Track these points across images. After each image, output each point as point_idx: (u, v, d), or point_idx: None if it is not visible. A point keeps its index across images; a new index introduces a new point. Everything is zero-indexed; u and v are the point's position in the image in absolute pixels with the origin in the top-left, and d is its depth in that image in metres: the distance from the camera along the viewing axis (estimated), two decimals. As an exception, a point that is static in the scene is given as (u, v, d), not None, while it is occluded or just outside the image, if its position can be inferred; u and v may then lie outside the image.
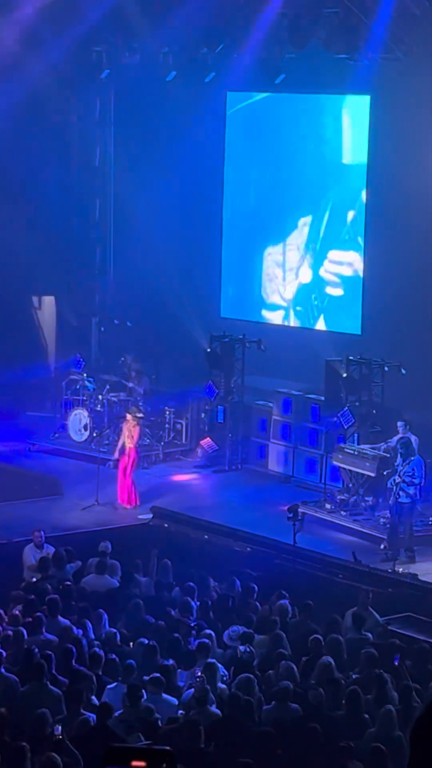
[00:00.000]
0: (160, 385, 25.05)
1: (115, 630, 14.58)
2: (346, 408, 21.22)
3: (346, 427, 21.21)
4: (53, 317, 27.61)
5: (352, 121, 24.39)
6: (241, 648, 14.00)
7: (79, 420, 24.11)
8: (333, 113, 24.86)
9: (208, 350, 23.71)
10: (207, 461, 23.69)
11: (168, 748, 3.30)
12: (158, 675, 12.62)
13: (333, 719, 12.05)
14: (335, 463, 20.99)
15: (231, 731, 11.55)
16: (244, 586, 16.26)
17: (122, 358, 24.84)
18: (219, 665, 13.27)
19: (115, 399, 24.00)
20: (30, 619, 14.40)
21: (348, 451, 20.62)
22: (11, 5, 23.43)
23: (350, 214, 24.54)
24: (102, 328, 26.94)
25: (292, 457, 22.88)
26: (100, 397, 24.15)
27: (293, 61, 23.21)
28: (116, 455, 21.79)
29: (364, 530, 19.71)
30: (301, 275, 25.48)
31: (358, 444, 20.86)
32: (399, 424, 20.02)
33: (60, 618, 14.69)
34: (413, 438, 19.59)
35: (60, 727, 11.23)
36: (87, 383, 24.42)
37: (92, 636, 14.41)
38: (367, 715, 12.14)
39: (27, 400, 25.92)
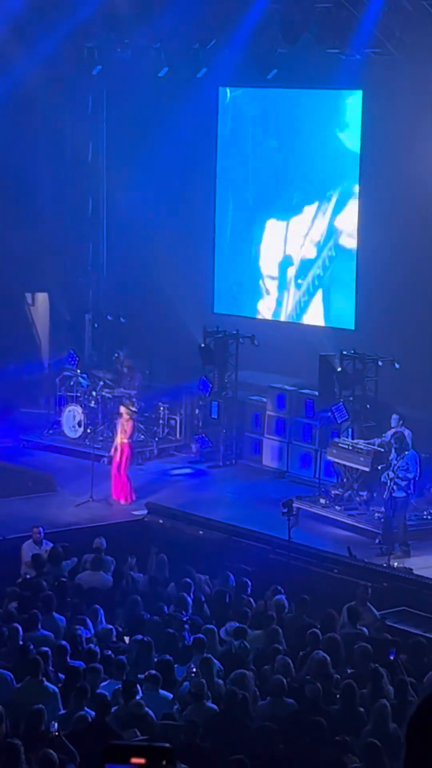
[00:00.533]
0: (153, 380, 25.04)
1: (111, 626, 14.58)
2: (340, 403, 21.22)
3: (340, 421, 21.21)
4: (47, 314, 27.57)
5: (344, 116, 24.38)
6: (235, 643, 14.01)
7: (73, 416, 24.09)
8: (325, 108, 24.85)
9: (202, 346, 23.68)
10: (201, 457, 23.69)
11: (167, 745, 3.28)
12: (154, 672, 12.62)
13: (328, 714, 12.06)
14: (329, 458, 21.00)
15: (227, 727, 11.56)
16: (237, 582, 16.26)
17: (116, 354, 24.82)
18: (215, 660, 13.28)
19: (108, 395, 23.98)
20: (26, 616, 14.40)
21: (342, 445, 20.62)
22: (1, 0, 23.37)
23: (343, 209, 24.53)
24: (95, 324, 26.89)
25: (287, 453, 22.89)
26: (93, 393, 24.14)
27: (285, 56, 23.17)
28: (112, 452, 21.77)
29: (359, 525, 19.72)
30: (294, 270, 25.46)
31: (353, 439, 20.88)
32: (393, 417, 20.06)
33: (55, 614, 14.68)
34: (407, 432, 19.62)
35: (56, 724, 11.23)
36: (81, 379, 24.41)
37: (88, 633, 14.40)
38: (362, 709, 12.15)
39: (21, 397, 25.87)
